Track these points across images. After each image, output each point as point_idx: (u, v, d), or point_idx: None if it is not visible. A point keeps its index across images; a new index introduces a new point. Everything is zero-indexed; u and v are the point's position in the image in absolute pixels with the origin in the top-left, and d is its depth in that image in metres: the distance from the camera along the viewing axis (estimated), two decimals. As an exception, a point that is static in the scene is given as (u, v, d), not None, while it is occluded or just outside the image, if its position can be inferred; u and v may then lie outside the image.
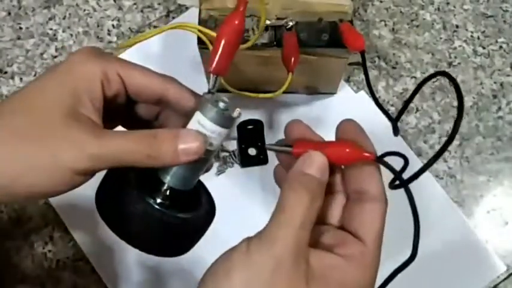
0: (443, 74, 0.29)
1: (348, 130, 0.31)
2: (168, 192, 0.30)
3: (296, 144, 0.30)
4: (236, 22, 0.32)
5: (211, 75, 0.31)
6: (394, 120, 0.38)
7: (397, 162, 0.30)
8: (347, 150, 0.29)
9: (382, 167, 0.30)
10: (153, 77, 0.32)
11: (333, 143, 0.31)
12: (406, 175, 0.29)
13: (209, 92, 0.31)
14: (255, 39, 0.40)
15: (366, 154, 0.29)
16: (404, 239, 0.29)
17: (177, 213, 0.30)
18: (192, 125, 0.30)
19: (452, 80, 0.28)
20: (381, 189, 0.30)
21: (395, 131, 0.39)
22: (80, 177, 0.28)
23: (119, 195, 0.29)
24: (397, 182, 0.29)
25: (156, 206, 0.29)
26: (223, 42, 0.31)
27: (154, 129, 0.29)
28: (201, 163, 0.30)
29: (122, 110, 0.33)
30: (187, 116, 0.31)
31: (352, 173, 0.31)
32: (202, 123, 0.29)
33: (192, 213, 0.31)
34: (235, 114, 0.30)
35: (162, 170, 0.30)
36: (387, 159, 0.30)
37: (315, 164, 0.29)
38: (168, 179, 0.30)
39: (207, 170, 0.33)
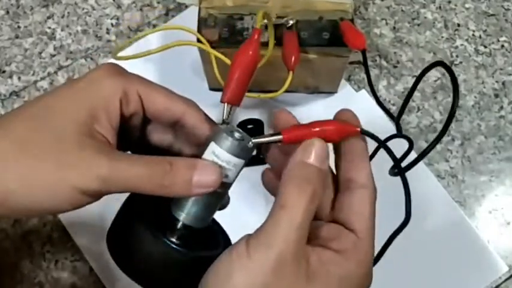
0: (441, 64, 0.30)
1: (345, 117, 0.31)
2: (182, 230, 0.29)
3: (284, 131, 0.29)
4: (251, 52, 0.31)
5: (225, 104, 0.30)
6: (396, 118, 0.38)
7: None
8: (334, 127, 0.29)
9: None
10: (173, 100, 0.30)
11: (319, 123, 0.30)
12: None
13: (223, 122, 0.30)
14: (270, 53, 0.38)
15: (351, 127, 0.29)
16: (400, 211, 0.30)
17: (193, 252, 0.29)
18: (207, 155, 0.29)
19: (449, 70, 0.28)
20: (369, 176, 0.29)
21: (398, 129, 0.39)
22: (86, 197, 0.26)
23: (132, 234, 0.28)
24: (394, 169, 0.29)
25: (174, 246, 0.28)
26: (238, 72, 0.30)
27: (170, 157, 0.27)
28: (217, 197, 0.29)
29: (134, 133, 0.31)
30: (199, 145, 0.30)
31: (342, 163, 0.30)
32: (217, 153, 0.28)
33: (211, 251, 0.30)
34: (250, 144, 0.29)
35: (176, 206, 0.29)
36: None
37: (315, 152, 0.27)
38: (183, 216, 0.29)
39: (224, 207, 0.32)
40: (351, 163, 0.30)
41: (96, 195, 0.27)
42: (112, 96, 0.28)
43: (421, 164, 0.54)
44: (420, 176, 0.53)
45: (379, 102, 0.47)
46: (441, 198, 0.53)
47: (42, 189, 0.26)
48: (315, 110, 0.55)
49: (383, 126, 0.54)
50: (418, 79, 0.34)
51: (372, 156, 0.32)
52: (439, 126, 0.55)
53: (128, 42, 0.48)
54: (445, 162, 0.54)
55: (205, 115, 0.32)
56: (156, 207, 0.29)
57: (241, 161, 0.29)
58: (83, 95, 0.28)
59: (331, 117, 0.30)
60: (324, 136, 0.29)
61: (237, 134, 0.29)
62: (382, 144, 0.30)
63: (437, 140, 0.29)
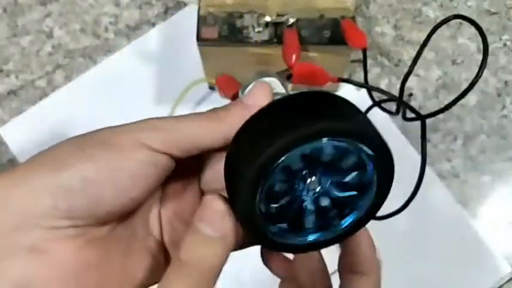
0: (460, 17, 0.29)
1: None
2: None
3: (296, 67, 0.31)
4: None
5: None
6: (398, 99, 0.38)
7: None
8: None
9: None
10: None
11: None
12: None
13: None
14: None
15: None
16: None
17: None
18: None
19: (471, 21, 0.28)
20: (373, 260, 0.27)
21: (398, 111, 0.38)
22: (156, 155, 0.23)
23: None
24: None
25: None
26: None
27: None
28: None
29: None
30: None
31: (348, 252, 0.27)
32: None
33: None
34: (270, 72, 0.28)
35: None
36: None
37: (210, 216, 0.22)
38: None
39: None
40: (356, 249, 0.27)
41: (160, 154, 0.23)
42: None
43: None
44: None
45: (374, 101, 0.46)
46: (443, 198, 0.52)
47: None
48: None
49: (383, 125, 0.54)
50: (431, 33, 0.34)
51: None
52: (441, 125, 0.55)
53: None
54: (447, 162, 0.54)
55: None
56: None
57: (273, 78, 0.27)
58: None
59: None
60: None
61: None
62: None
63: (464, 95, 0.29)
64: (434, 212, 0.51)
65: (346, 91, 0.56)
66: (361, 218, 0.23)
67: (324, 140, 0.20)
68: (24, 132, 0.54)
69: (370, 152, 0.21)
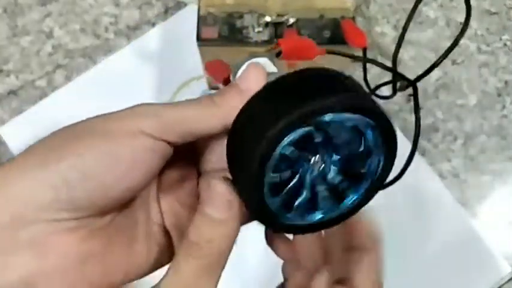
0: None
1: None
2: None
3: (283, 43, 0.27)
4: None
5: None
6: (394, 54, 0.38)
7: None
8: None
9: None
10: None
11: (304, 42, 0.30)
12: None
13: None
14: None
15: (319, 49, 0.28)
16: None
17: None
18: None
19: None
20: (371, 238, 0.27)
21: (395, 88, 0.38)
22: (152, 141, 0.22)
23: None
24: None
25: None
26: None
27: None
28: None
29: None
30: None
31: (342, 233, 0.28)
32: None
33: None
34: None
35: None
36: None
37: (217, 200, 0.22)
38: None
39: None
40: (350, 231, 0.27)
41: (158, 141, 0.23)
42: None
43: (423, 164, 0.53)
44: (423, 176, 0.52)
45: (370, 88, 0.46)
46: (443, 198, 0.52)
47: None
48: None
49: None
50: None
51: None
52: (441, 125, 0.55)
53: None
54: (447, 162, 0.54)
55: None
56: None
57: (265, 59, 0.26)
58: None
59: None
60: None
61: None
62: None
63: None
64: (434, 212, 0.51)
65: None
66: (368, 191, 0.23)
67: (317, 119, 0.21)
68: (24, 132, 0.54)
69: (371, 121, 0.22)
